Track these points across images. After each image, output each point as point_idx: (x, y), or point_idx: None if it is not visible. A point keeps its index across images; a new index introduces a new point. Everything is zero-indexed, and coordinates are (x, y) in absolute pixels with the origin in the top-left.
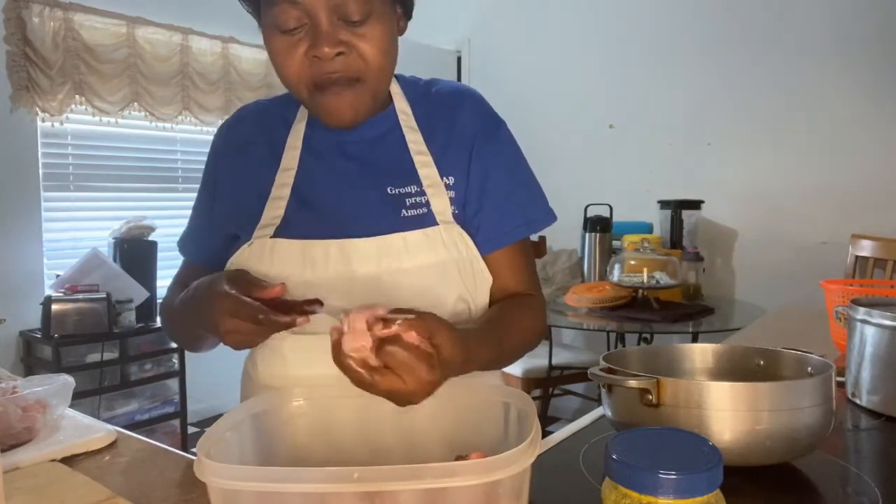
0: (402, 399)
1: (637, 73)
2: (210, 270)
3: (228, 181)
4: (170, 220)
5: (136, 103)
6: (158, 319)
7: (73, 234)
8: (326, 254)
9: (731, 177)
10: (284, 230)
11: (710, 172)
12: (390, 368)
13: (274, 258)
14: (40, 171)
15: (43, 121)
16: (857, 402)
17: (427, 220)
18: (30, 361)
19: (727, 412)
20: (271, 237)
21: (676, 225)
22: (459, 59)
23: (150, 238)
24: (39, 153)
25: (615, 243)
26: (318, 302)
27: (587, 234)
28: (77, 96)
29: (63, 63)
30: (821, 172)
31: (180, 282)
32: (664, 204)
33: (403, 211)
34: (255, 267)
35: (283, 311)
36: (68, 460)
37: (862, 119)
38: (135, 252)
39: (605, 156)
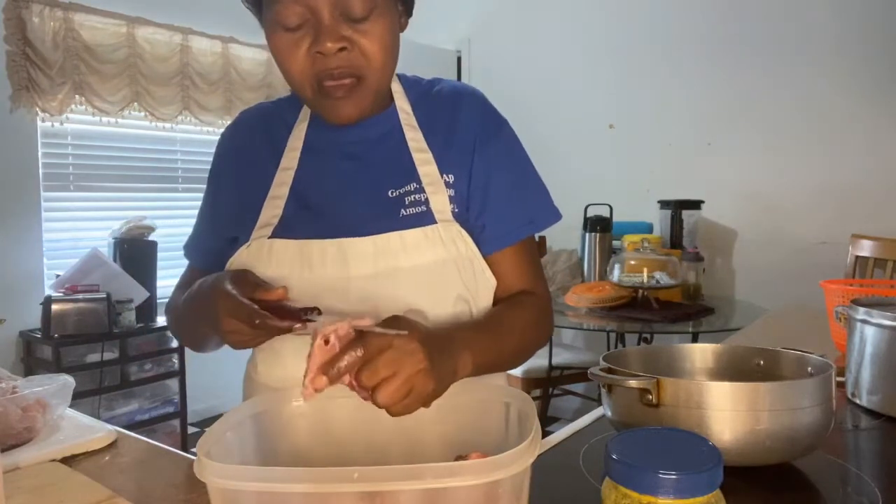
0: (408, 394)
1: (637, 74)
2: None
3: (231, 185)
4: (170, 220)
5: (136, 103)
6: (161, 320)
7: (73, 234)
8: (324, 253)
9: (731, 177)
10: (282, 230)
11: (710, 172)
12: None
13: (272, 258)
14: (40, 171)
15: (43, 121)
16: (857, 402)
17: (426, 218)
18: (30, 361)
19: (727, 412)
20: (269, 237)
21: (676, 225)
22: (459, 59)
23: (150, 238)
24: (39, 153)
25: (615, 243)
26: (317, 310)
27: (587, 234)
28: (77, 96)
29: (63, 63)
30: (820, 172)
31: (184, 286)
32: (664, 204)
33: (402, 210)
34: (254, 268)
35: (282, 315)
36: (68, 460)
37: (862, 119)
38: (135, 252)
39: (605, 156)
